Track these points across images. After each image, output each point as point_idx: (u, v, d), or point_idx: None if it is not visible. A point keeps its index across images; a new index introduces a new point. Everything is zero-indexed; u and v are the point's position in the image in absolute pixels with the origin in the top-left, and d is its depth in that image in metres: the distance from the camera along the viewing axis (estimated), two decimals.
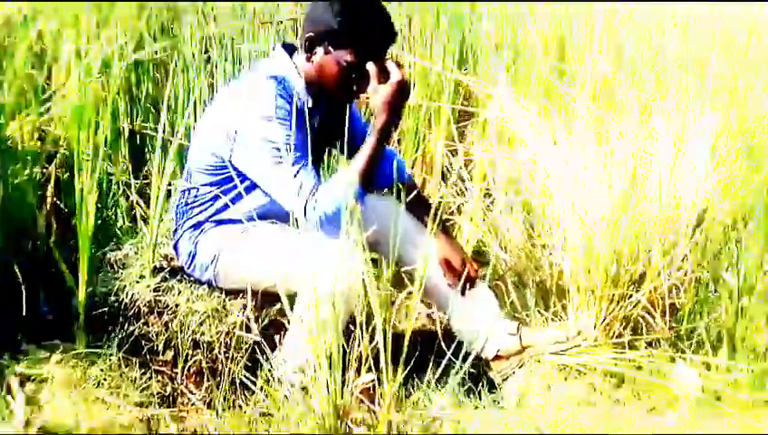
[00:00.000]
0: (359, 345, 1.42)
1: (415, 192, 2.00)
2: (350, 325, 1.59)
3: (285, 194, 1.65)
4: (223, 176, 1.77)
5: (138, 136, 2.72)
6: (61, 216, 2.36)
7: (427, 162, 2.77)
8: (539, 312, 2.02)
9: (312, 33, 1.72)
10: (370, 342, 1.40)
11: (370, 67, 1.67)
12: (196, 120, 2.36)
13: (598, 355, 1.82)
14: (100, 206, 2.00)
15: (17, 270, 1.85)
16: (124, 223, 2.34)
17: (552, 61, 2.71)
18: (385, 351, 1.37)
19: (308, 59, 1.74)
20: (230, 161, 1.73)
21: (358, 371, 1.44)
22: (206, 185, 1.79)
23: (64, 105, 2.34)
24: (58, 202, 2.34)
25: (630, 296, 1.85)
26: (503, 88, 2.34)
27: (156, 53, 2.73)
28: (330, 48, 1.71)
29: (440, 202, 2.07)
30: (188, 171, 1.84)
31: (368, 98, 1.69)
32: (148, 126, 2.68)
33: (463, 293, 1.91)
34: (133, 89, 2.75)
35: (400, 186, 1.88)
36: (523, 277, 2.07)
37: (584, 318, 1.91)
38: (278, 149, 1.63)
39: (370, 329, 1.40)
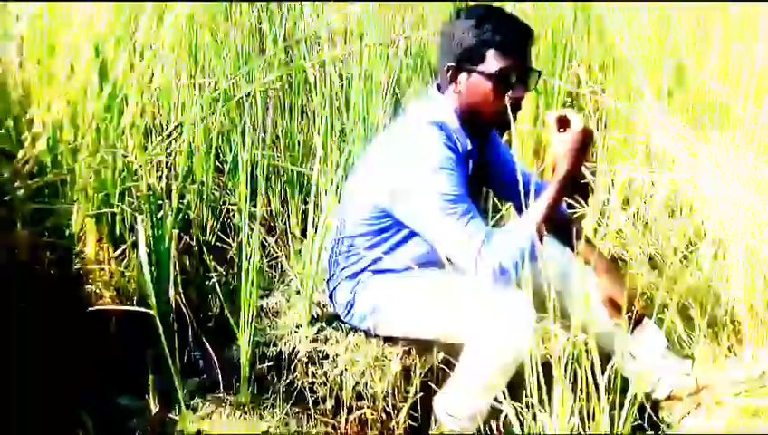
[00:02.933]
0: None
1: (570, 223, 1.92)
2: None
3: (455, 247, 1.59)
4: (381, 226, 1.72)
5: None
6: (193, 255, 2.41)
7: None
8: (709, 346, 1.90)
9: (450, 62, 1.65)
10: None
11: (549, 117, 1.58)
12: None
13: None
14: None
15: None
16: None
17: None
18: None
19: (455, 90, 1.67)
20: (391, 211, 1.68)
21: None
22: (361, 235, 1.75)
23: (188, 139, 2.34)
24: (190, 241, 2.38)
25: None
26: (650, 103, 2.20)
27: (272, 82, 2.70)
28: (472, 67, 1.63)
29: (599, 232, 1.96)
30: (342, 221, 1.80)
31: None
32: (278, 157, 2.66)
33: (631, 332, 1.81)
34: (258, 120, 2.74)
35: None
36: (690, 310, 1.95)
37: (765, 356, 1.78)
38: (446, 201, 1.57)
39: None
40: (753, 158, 1.97)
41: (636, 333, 1.81)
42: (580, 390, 1.40)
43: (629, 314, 1.79)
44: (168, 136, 2.42)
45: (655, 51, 2.43)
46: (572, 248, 1.85)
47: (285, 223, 2.44)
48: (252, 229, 1.74)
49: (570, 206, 2.47)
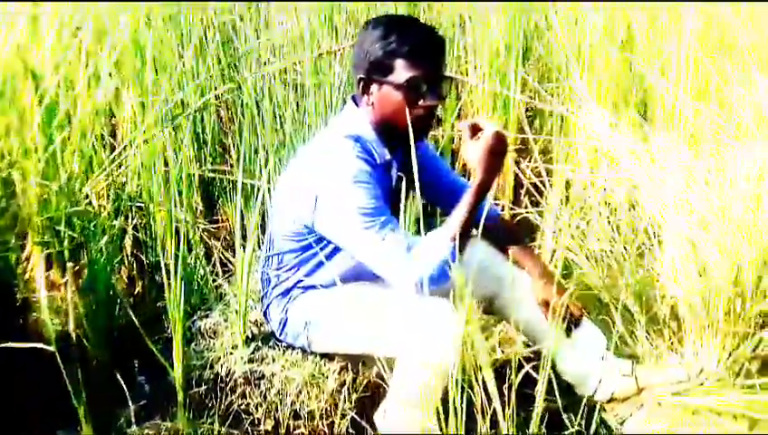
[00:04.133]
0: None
1: (505, 228, 1.90)
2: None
3: (376, 260, 1.57)
4: (307, 241, 1.70)
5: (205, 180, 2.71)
6: (142, 272, 2.39)
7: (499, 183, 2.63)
8: (651, 344, 1.88)
9: (361, 75, 1.63)
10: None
11: (461, 125, 1.56)
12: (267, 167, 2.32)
13: (725, 396, 1.67)
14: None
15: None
16: (204, 272, 2.32)
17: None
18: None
19: (368, 103, 1.65)
20: (314, 227, 1.66)
21: None
22: (290, 252, 1.73)
23: (134, 159, 2.33)
24: (139, 254, 2.36)
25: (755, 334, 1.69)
26: (587, 103, 2.18)
27: (217, 97, 2.69)
28: (383, 78, 1.61)
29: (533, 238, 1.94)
30: (270, 237, 1.78)
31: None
32: (216, 170, 2.65)
33: (568, 334, 1.79)
34: (200, 134, 2.72)
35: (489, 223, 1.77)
36: (631, 309, 1.93)
37: (705, 354, 1.76)
38: (363, 214, 1.55)
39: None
40: (689, 153, 1.95)
41: (574, 335, 1.79)
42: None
43: (566, 315, 1.77)
44: (119, 156, 2.41)
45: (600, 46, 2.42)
46: (504, 251, 1.83)
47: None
48: (178, 251, 1.71)
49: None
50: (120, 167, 2.40)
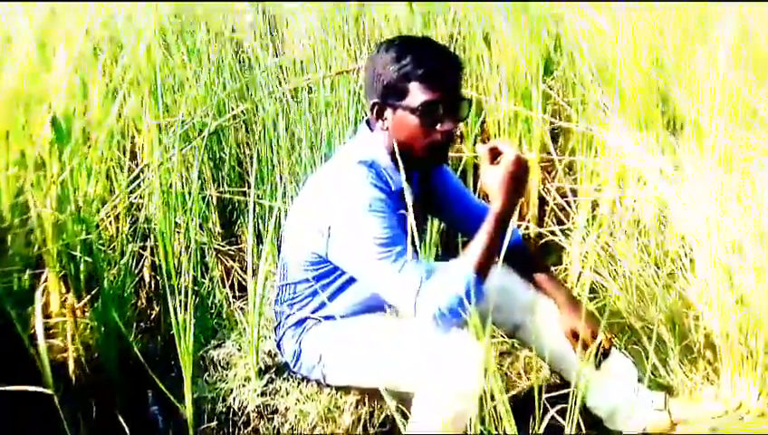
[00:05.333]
0: None
1: (529, 255, 1.82)
2: None
3: (392, 292, 1.50)
4: (321, 271, 1.63)
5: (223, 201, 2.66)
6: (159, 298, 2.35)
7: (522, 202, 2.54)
8: (685, 375, 1.78)
9: (375, 99, 1.56)
10: None
11: (480, 149, 1.49)
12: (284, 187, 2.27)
13: (766, 433, 1.57)
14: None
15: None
16: (222, 294, 2.27)
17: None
18: None
19: (383, 128, 1.58)
20: (327, 257, 1.59)
21: None
22: (303, 281, 1.66)
23: (152, 181, 2.29)
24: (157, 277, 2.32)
25: None
26: (613, 119, 2.09)
27: (234, 117, 2.65)
28: (397, 102, 1.53)
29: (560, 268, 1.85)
30: (284, 266, 1.71)
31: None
32: (235, 192, 2.61)
33: (597, 366, 1.70)
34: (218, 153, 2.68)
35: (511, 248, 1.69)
36: (663, 337, 1.83)
37: (744, 387, 1.65)
38: (378, 244, 1.48)
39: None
40: (721, 171, 1.85)
41: (603, 366, 1.70)
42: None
43: (595, 346, 1.68)
44: (135, 178, 2.38)
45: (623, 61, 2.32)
46: (527, 277, 1.75)
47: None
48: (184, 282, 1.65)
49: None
50: (138, 188, 2.37)
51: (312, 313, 1.68)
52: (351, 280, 1.62)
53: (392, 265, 1.48)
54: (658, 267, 1.95)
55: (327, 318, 1.68)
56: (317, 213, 1.58)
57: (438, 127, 1.52)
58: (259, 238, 2.37)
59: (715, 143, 1.87)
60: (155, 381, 1.71)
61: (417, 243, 1.44)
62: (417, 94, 1.51)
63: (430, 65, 1.51)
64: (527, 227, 2.49)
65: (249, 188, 2.65)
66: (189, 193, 2.25)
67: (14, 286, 1.91)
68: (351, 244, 1.52)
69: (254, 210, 2.28)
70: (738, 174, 1.84)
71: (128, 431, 1.57)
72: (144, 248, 2.31)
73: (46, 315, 2.06)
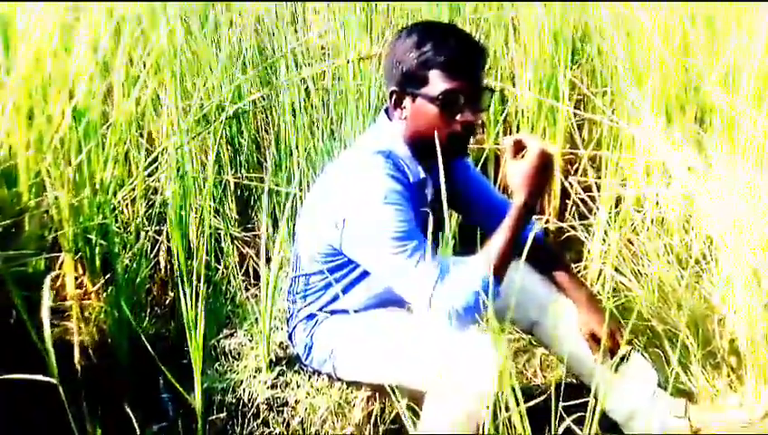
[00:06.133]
0: None
1: (550, 252, 1.77)
2: None
3: (406, 288, 1.46)
4: (335, 263, 1.59)
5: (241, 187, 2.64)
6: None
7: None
8: (707, 381, 1.72)
9: (393, 87, 1.51)
10: None
11: (504, 142, 1.44)
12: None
13: None
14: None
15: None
16: (236, 281, 2.25)
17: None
18: None
19: (401, 117, 1.53)
20: (341, 249, 1.55)
21: None
22: (317, 273, 1.63)
23: (168, 166, 2.27)
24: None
25: None
26: (640, 111, 2.02)
27: (254, 102, 2.61)
28: (417, 90, 1.48)
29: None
30: (297, 257, 1.68)
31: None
32: (253, 177, 2.58)
33: (616, 369, 1.65)
34: (236, 138, 2.65)
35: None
36: (686, 340, 1.77)
37: None
38: (393, 238, 1.44)
39: None
40: (750, 167, 1.78)
41: (621, 369, 1.65)
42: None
43: (613, 348, 1.63)
44: (154, 161, 2.36)
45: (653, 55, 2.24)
46: (547, 274, 1.70)
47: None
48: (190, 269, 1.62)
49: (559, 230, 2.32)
50: (155, 172, 2.35)
51: (325, 305, 1.65)
52: (365, 273, 1.58)
53: (407, 260, 1.43)
54: (683, 267, 1.89)
55: (340, 311, 1.64)
56: (332, 204, 1.54)
57: (459, 117, 1.47)
58: (275, 226, 2.34)
59: (749, 138, 1.80)
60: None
61: (435, 236, 1.39)
62: (437, 83, 1.46)
63: (452, 53, 1.45)
64: (548, 221, 2.43)
65: (266, 174, 2.63)
66: (205, 178, 2.23)
67: (29, 269, 1.90)
68: (366, 237, 1.48)
69: (270, 197, 2.25)
70: None
71: (134, 419, 1.55)
72: (160, 233, 2.29)
73: (62, 298, 2.06)
